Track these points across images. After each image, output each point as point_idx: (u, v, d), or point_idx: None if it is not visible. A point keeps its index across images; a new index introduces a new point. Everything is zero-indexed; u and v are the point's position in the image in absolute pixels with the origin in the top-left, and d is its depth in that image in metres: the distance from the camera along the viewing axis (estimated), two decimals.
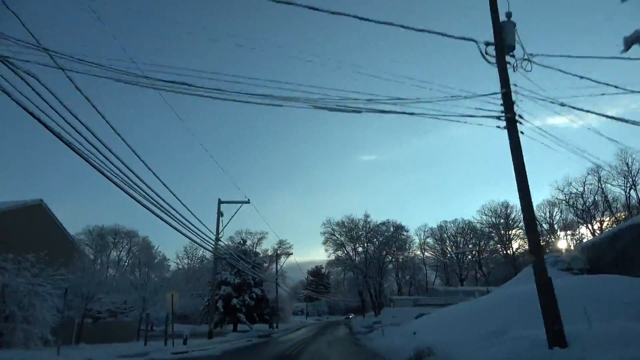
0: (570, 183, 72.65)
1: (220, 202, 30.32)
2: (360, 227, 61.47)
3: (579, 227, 78.42)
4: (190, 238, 20.47)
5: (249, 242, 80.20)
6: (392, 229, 59.65)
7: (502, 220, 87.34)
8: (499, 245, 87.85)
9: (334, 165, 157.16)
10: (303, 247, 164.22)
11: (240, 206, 30.46)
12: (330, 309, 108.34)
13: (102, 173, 10.24)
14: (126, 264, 73.77)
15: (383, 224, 60.82)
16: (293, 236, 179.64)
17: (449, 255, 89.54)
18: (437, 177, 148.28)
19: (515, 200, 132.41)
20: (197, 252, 71.44)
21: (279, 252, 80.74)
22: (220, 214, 29.85)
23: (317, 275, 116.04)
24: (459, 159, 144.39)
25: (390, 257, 61.57)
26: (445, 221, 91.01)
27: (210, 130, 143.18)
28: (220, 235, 28.91)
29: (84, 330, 24.46)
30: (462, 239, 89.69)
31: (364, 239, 60.61)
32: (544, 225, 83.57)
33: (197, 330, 36.10)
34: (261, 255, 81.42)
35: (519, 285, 20.04)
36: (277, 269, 52.90)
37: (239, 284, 42.98)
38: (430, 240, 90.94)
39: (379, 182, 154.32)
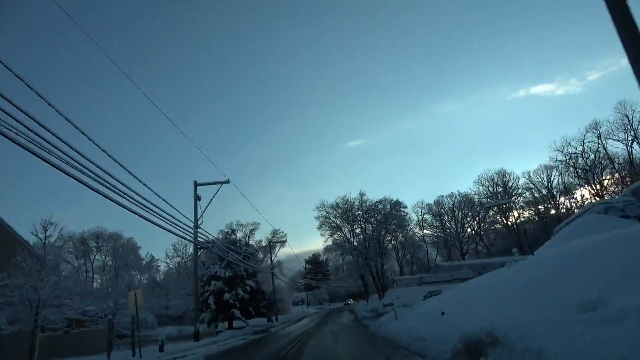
0: (569, 142, 69.63)
1: (196, 185, 26.25)
2: (356, 207, 57.76)
3: (578, 189, 75.90)
4: (167, 229, 16.89)
5: (240, 234, 76.26)
6: (389, 207, 55.98)
7: (499, 189, 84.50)
8: (499, 217, 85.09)
9: (323, 154, 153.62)
10: (299, 237, 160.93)
11: (220, 187, 26.45)
12: (331, 297, 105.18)
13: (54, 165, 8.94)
14: (112, 268, 69.45)
15: (379, 202, 57.15)
16: (288, 227, 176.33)
17: (448, 230, 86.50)
18: (426, 155, 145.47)
19: (512, 167, 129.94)
20: (187, 249, 67.24)
21: (272, 241, 77.23)
22: (197, 197, 25.80)
23: (315, 264, 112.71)
24: (445, 135, 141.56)
25: (390, 237, 58.01)
26: (442, 196, 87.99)
27: (196, 122, 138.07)
28: (199, 223, 24.92)
29: (45, 344, 20.42)
30: (460, 213, 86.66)
31: (361, 219, 56.94)
32: (542, 190, 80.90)
33: (187, 332, 32.21)
34: (255, 247, 77.87)
35: (559, 246, 16.36)
36: (271, 259, 49.22)
37: (231, 278, 39.07)
38: (428, 217, 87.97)
39: (369, 166, 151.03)
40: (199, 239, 24.59)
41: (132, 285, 76.22)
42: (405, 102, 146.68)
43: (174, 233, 19.90)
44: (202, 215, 25.32)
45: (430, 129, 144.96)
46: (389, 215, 55.30)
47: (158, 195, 15.36)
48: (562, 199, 79.99)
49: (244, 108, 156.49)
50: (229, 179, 26.22)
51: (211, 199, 25.90)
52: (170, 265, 69.78)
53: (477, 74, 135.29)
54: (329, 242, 62.07)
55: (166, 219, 16.51)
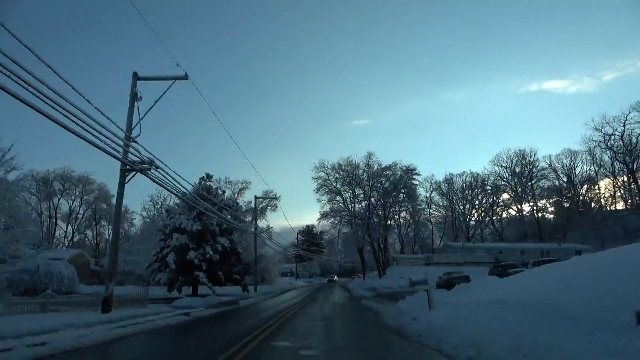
0: (608, 122, 59.97)
1: (136, 77, 17.01)
2: (362, 170, 48.71)
3: (604, 180, 66.92)
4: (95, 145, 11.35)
5: (228, 192, 67.70)
6: (400, 173, 46.90)
7: (517, 170, 75.31)
8: (513, 202, 76.18)
9: (330, 131, 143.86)
10: (296, 211, 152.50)
11: (173, 84, 17.22)
12: (323, 271, 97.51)
13: None
14: (81, 216, 60.95)
15: (388, 167, 47.89)
16: (285, 200, 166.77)
17: (456, 211, 77.91)
18: (432, 137, 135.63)
19: (537, 145, 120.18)
20: (166, 200, 58.59)
21: (260, 197, 68.46)
22: (135, 95, 16.63)
23: (309, 234, 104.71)
24: (456, 119, 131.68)
25: (397, 208, 49.07)
26: (452, 174, 78.86)
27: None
28: (135, 135, 15.82)
29: None
30: (471, 193, 77.84)
31: (366, 184, 47.96)
32: (561, 176, 71.81)
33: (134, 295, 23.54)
34: (244, 209, 69.32)
35: None
36: (255, 216, 40.40)
37: (199, 233, 30.35)
38: (435, 196, 79.13)
39: (375, 145, 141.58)
40: (133, 157, 15.59)
41: (101, 238, 68.59)
42: (414, 86, 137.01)
43: (102, 149, 12.50)
44: (139, 122, 16.21)
45: (438, 113, 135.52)
46: (399, 182, 46.29)
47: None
48: (583, 189, 70.78)
49: (248, 67, 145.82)
50: (186, 73, 16.99)
51: (156, 101, 16.74)
52: (147, 219, 61.17)
53: (489, 64, 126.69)
54: (326, 208, 53.26)
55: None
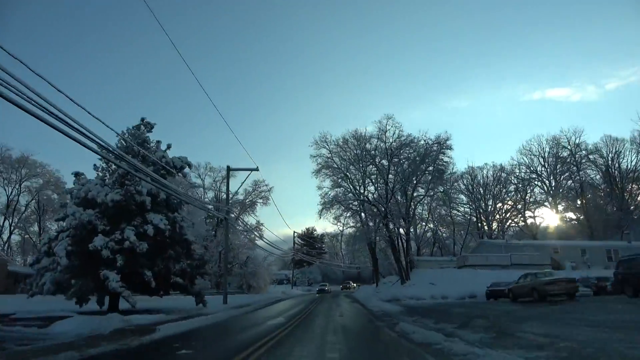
0: None
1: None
2: (376, 140, 36.12)
3: None
4: None
5: (208, 180, 55.24)
6: (426, 145, 34.31)
7: (551, 160, 62.75)
8: (547, 196, 63.50)
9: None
10: (300, 219, 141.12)
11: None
12: (324, 277, 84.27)
13: None
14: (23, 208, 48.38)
15: (412, 141, 35.21)
16: (287, 206, 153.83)
17: (481, 208, 65.19)
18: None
19: (583, 126, 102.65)
20: None
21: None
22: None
23: (308, 238, 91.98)
24: (460, 127, 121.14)
25: (424, 189, 36.11)
26: (472, 167, 66.17)
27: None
28: None
29: None
30: (495, 188, 65.21)
31: (382, 156, 35.35)
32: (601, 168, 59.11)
33: None
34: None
35: None
36: (227, 192, 27.90)
37: (118, 206, 17.83)
38: (454, 192, 66.14)
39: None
40: None
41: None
42: (417, 95, 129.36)
43: None
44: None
45: (443, 122, 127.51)
46: (427, 155, 33.76)
47: None
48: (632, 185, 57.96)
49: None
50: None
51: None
52: None
53: (493, 72, 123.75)
54: (330, 193, 40.56)
55: None
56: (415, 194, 36.10)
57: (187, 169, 21.29)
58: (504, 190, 65.12)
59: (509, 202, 64.52)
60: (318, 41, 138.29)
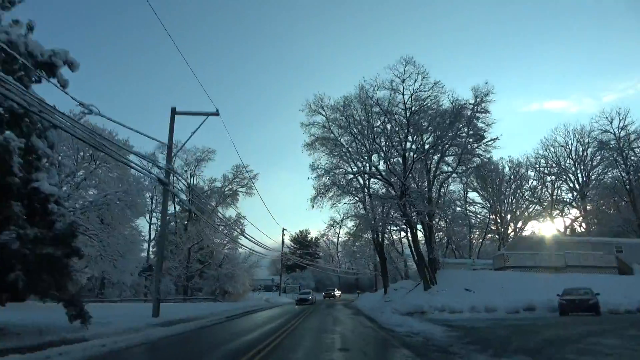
0: None
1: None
2: (390, 93, 26.18)
3: None
4: None
5: (178, 162, 45.42)
6: (456, 104, 24.62)
7: (581, 151, 53.33)
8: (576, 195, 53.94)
9: None
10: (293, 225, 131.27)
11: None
12: (318, 284, 74.19)
13: None
14: None
15: (435, 98, 25.25)
16: (282, 214, 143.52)
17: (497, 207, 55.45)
18: None
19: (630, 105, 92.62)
20: None
21: (231, 185, 46.32)
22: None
23: (301, 243, 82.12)
24: None
25: (454, 161, 26.07)
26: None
27: None
28: None
29: None
30: (514, 183, 55.57)
31: (397, 125, 25.55)
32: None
33: None
34: (206, 188, 47.06)
35: None
36: (169, 143, 18.04)
37: None
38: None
39: None
40: None
41: None
42: None
43: None
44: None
45: None
46: (459, 115, 24.12)
47: None
48: None
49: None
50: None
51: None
52: None
53: (492, 82, 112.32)
54: (325, 179, 30.86)
55: None
56: (438, 172, 26.35)
57: (64, 70, 11.51)
58: (526, 187, 55.65)
59: (534, 199, 54.96)
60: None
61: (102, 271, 25.87)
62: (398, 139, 25.33)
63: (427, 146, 25.24)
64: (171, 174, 17.27)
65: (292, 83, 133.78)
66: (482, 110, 24.72)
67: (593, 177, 53.23)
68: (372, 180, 30.93)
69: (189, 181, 43.99)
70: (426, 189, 25.31)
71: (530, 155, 57.73)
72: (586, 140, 52.85)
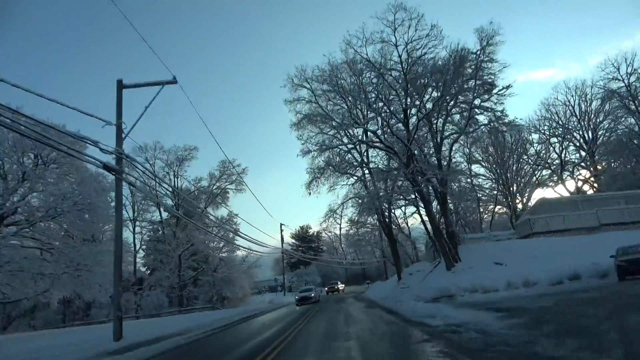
0: None
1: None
2: (378, 51, 22.62)
3: None
4: None
5: (159, 164, 41.74)
6: (459, 51, 21.08)
7: (586, 106, 50.01)
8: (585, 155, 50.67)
9: None
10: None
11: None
12: (324, 279, 70.79)
13: None
14: None
15: (438, 37, 21.39)
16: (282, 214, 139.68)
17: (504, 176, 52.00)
18: None
19: None
20: None
21: (219, 182, 42.68)
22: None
23: (303, 239, 78.73)
24: None
25: (464, 117, 22.55)
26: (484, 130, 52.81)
27: None
28: None
29: None
30: (517, 150, 52.11)
31: (393, 80, 21.90)
32: None
33: None
34: (192, 189, 43.39)
35: None
36: (118, 119, 14.37)
37: None
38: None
39: None
40: None
41: None
42: None
43: None
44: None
45: None
46: (463, 62, 20.61)
47: None
48: None
49: None
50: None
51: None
52: None
53: None
54: (320, 160, 27.32)
55: None
56: (446, 134, 22.83)
57: None
58: (531, 151, 52.23)
59: (541, 163, 51.60)
60: None
61: (74, 290, 22.19)
62: (397, 98, 21.75)
63: (429, 105, 21.69)
64: (123, 159, 13.62)
65: (274, 65, 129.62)
66: (488, 59, 21.17)
67: (600, 132, 50.18)
68: (371, 154, 27.54)
69: (172, 183, 40.39)
70: (433, 155, 21.84)
71: (533, 117, 54.48)
72: (589, 95, 49.78)
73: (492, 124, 22.28)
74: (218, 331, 15.14)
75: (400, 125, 22.59)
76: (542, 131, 52.25)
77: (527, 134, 51.81)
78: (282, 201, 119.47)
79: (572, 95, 51.70)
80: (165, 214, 41.49)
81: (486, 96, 21.44)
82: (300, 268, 71.58)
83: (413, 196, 23.37)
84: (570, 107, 51.44)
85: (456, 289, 16.82)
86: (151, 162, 39.36)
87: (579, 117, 51.38)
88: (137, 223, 39.58)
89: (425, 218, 24.83)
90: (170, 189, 37.10)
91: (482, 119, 23.01)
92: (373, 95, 22.86)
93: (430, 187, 21.61)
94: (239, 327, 16.42)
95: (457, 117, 22.86)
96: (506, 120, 21.62)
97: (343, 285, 58.16)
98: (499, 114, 21.70)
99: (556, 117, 52.07)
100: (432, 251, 34.68)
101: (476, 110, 21.85)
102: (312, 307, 23.77)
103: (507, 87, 21.03)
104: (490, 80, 21.25)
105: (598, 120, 49.90)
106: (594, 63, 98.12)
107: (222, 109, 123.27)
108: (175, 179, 40.87)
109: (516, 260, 19.48)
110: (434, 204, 23.02)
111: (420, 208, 24.92)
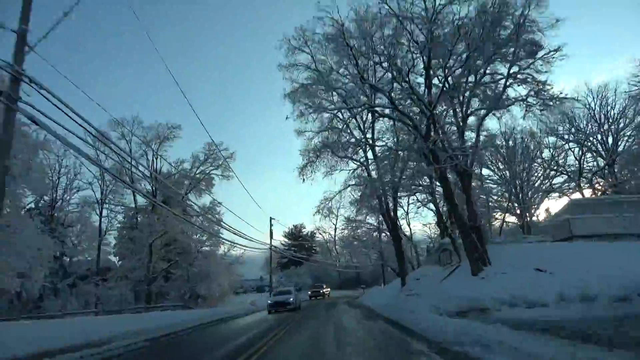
0: None
1: None
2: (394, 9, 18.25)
3: None
4: None
5: (135, 140, 37.11)
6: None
7: (609, 108, 45.70)
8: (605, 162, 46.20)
9: None
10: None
11: None
12: (316, 281, 66.09)
13: None
14: None
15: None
16: (279, 213, 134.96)
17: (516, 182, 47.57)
18: None
19: None
20: None
21: (204, 168, 38.12)
22: None
23: (296, 238, 74.09)
24: None
25: (492, 89, 18.08)
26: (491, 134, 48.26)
27: None
28: None
29: None
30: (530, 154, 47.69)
31: (418, 29, 17.45)
32: None
33: None
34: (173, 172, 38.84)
35: None
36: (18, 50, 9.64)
37: None
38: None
39: None
40: None
41: None
42: None
43: None
44: None
45: None
46: (502, 17, 16.29)
47: None
48: None
49: None
50: None
51: None
52: None
53: None
54: (316, 140, 22.90)
55: None
56: (474, 108, 18.36)
57: None
58: (546, 155, 47.89)
59: (557, 169, 47.25)
60: None
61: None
62: (419, 54, 17.22)
63: (457, 71, 17.19)
64: (20, 83, 9.13)
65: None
66: (536, 6, 16.58)
67: (621, 141, 45.89)
68: (377, 131, 23.06)
69: (151, 164, 35.87)
70: (455, 133, 17.38)
71: (548, 121, 50.15)
72: (611, 100, 45.52)
73: (534, 97, 17.60)
74: (161, 341, 10.58)
75: (421, 86, 18.08)
76: (561, 135, 48.04)
77: (543, 135, 47.78)
78: (277, 201, 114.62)
79: (594, 98, 47.38)
80: (141, 200, 36.93)
81: (529, 60, 16.98)
82: (291, 268, 66.88)
83: (427, 181, 18.80)
84: (591, 111, 47.27)
85: (490, 300, 12.33)
86: (127, 138, 34.82)
87: (599, 122, 47.14)
88: (105, 206, 34.94)
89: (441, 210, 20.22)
90: (146, 170, 32.63)
91: (513, 94, 18.60)
92: (387, 53, 18.24)
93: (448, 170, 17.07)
94: (193, 337, 11.82)
95: (484, 89, 18.30)
96: (552, 93, 17.11)
97: (329, 289, 53.70)
98: (541, 85, 17.27)
99: (574, 122, 47.93)
100: (437, 255, 30.19)
101: (512, 78, 17.38)
102: (290, 315, 18.81)
103: (557, 49, 16.61)
104: (535, 39, 16.82)
105: (619, 126, 45.75)
106: (619, 65, 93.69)
107: (214, 96, 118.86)
108: (155, 159, 36.30)
109: (562, 267, 15.00)
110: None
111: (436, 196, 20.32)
